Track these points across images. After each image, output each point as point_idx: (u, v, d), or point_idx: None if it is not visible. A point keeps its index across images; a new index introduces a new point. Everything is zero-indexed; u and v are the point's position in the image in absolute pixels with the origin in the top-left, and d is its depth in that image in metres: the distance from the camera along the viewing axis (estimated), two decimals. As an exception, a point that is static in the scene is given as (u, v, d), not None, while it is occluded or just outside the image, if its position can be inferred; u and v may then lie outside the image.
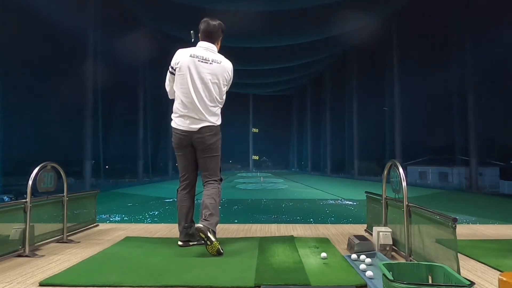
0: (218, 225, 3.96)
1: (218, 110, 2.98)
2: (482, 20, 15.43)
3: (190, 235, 2.98)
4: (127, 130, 22.69)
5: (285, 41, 22.97)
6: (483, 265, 2.47)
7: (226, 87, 3.01)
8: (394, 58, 21.43)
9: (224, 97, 3.01)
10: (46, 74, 14.25)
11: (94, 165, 17.43)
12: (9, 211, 2.74)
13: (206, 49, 2.92)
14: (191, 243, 2.98)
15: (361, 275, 2.16)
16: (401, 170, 2.67)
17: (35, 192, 2.84)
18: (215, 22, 2.95)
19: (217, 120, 2.98)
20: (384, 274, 1.61)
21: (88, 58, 16.80)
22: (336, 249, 2.87)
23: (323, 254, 2.62)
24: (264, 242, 3.08)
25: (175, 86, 2.91)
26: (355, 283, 2.04)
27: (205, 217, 2.75)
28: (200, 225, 2.65)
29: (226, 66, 2.94)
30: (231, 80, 3.02)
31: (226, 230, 3.74)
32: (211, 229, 2.68)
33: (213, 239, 2.61)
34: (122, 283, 2.06)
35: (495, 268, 2.37)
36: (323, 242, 3.10)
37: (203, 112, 2.88)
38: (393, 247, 2.74)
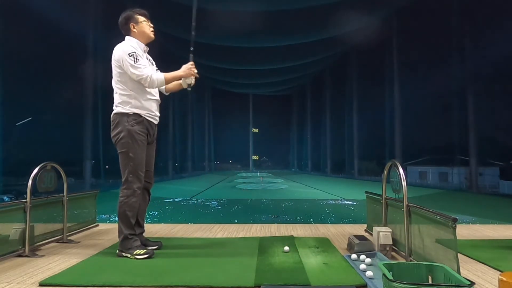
0: (219, 225, 3.98)
1: (125, 97, 2.70)
2: (482, 20, 15.43)
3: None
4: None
5: (285, 41, 22.96)
6: (483, 265, 2.47)
7: (118, 69, 2.70)
8: (394, 58, 21.43)
9: (131, 75, 2.65)
10: (46, 74, 14.25)
11: (94, 165, 17.42)
12: (9, 211, 2.74)
13: None
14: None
15: (361, 275, 2.16)
16: (401, 170, 2.67)
17: (35, 192, 2.84)
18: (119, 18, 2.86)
19: (119, 108, 2.72)
20: (384, 274, 1.61)
21: (88, 58, 16.80)
22: (336, 249, 2.87)
23: (286, 248, 2.76)
24: (264, 242, 3.08)
25: None
26: (355, 283, 2.04)
27: None
28: (116, 251, 2.71)
29: (113, 52, 2.77)
30: (119, 61, 2.67)
31: (226, 230, 3.74)
32: (121, 249, 2.67)
33: (128, 255, 2.61)
34: (122, 283, 2.06)
35: (495, 268, 2.37)
36: (323, 242, 3.10)
37: (114, 97, 2.78)
38: (393, 247, 2.74)
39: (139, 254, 2.61)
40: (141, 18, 2.83)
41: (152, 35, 2.89)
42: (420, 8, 17.43)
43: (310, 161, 40.98)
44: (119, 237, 2.72)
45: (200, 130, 40.51)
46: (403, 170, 2.67)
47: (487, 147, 16.27)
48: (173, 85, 2.98)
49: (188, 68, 2.81)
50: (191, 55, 2.90)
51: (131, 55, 2.66)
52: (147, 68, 2.71)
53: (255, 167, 51.88)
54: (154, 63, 3.02)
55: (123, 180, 2.74)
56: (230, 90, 42.04)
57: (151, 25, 2.89)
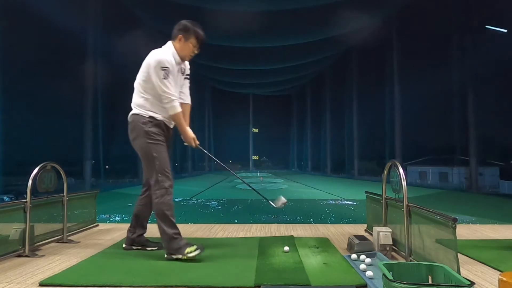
0: (219, 225, 3.98)
1: (142, 100, 2.77)
2: (482, 20, 15.42)
3: (132, 240, 2.89)
4: (127, 130, 22.64)
5: (285, 41, 22.95)
6: (483, 265, 2.47)
7: (145, 74, 2.77)
8: (394, 58, 21.40)
9: (155, 86, 2.69)
10: (46, 74, 14.23)
11: (94, 165, 17.40)
12: (9, 211, 2.74)
13: None
14: (134, 248, 2.88)
15: (361, 275, 2.16)
16: (401, 170, 2.68)
17: (35, 192, 2.84)
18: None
19: (136, 109, 2.77)
20: (384, 274, 1.61)
21: (88, 58, 16.79)
22: (336, 249, 2.87)
23: (286, 248, 2.77)
24: (264, 242, 3.08)
25: None
26: (355, 283, 2.04)
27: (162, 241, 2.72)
28: (165, 255, 2.64)
29: (149, 55, 2.81)
30: (150, 68, 2.72)
31: (226, 230, 3.74)
32: (170, 252, 2.60)
33: (180, 256, 2.55)
34: (122, 283, 2.06)
35: (495, 268, 2.37)
36: (323, 242, 3.10)
37: (133, 96, 2.83)
38: (393, 247, 2.74)
39: (191, 252, 2.53)
40: (192, 39, 2.82)
41: (187, 58, 2.91)
42: (420, 8, 17.42)
43: (310, 161, 40.95)
44: (163, 240, 2.63)
45: (200, 130, 40.50)
46: (403, 170, 2.67)
47: (487, 147, 16.25)
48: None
49: (191, 139, 2.85)
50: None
51: (164, 69, 2.68)
52: (174, 90, 2.74)
53: (255, 167, 51.83)
54: (188, 69, 2.99)
55: (153, 182, 2.69)
56: (230, 90, 42.01)
57: (195, 52, 2.89)
